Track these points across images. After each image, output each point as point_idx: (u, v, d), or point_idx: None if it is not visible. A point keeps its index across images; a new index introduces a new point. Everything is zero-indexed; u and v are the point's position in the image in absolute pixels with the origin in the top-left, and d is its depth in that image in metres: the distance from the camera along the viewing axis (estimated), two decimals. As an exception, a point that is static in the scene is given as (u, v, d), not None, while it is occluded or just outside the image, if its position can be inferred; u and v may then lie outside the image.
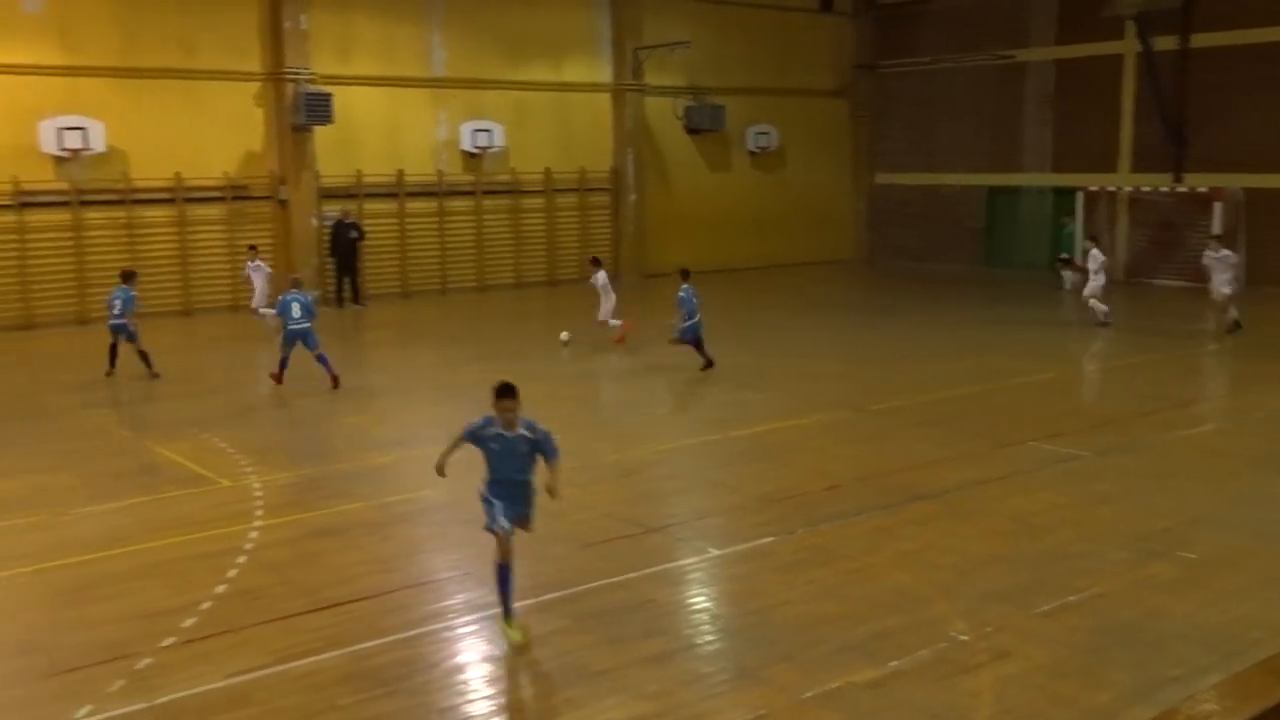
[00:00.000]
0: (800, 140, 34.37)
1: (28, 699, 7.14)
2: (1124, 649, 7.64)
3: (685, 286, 17.85)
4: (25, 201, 23.02)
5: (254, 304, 22.27)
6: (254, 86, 25.51)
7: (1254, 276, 26.36)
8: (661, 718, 6.80)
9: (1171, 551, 9.52)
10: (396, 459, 12.90)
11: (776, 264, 33.56)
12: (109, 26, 23.68)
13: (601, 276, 20.33)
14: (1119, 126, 29.71)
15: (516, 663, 7.60)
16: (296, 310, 16.58)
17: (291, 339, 16.65)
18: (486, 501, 7.83)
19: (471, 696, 7.17)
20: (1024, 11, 31.39)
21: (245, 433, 14.45)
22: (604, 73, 30.57)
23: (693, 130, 32.06)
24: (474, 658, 7.75)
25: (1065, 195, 30.36)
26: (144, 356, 17.74)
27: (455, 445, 8.02)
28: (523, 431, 7.77)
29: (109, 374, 17.85)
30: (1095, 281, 22.03)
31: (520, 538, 7.96)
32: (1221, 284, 21.08)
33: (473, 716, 6.94)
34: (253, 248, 22.90)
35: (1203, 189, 27.89)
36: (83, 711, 6.92)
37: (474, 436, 7.84)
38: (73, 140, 22.92)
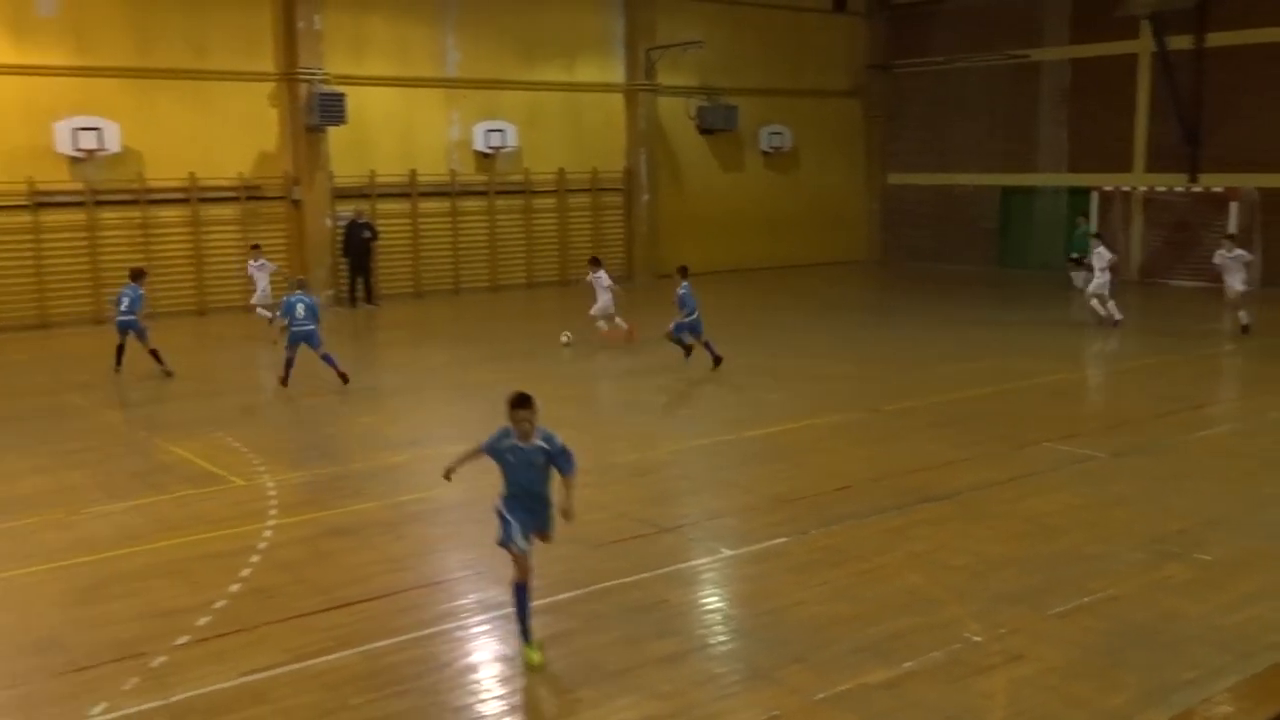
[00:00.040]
0: (813, 140, 34.32)
1: (43, 696, 7.17)
2: (1139, 651, 7.61)
3: (684, 284, 17.91)
4: (41, 202, 23.12)
5: (254, 301, 22.34)
6: (268, 87, 25.59)
7: (1270, 277, 26.26)
8: (674, 718, 6.80)
9: (1187, 553, 9.48)
10: (410, 458, 12.92)
11: (789, 264, 33.54)
12: (123, 28, 23.77)
13: (603, 277, 20.28)
14: (1134, 126, 29.60)
15: (529, 662, 7.61)
16: (301, 311, 16.58)
17: (295, 341, 16.65)
18: (503, 519, 7.60)
19: (484, 696, 7.17)
20: (1038, 11, 31.30)
21: (258, 432, 14.50)
22: (617, 73, 30.58)
23: (706, 130, 32.04)
24: (486, 657, 7.76)
25: (1080, 195, 30.27)
26: (154, 355, 17.80)
27: (470, 456, 7.85)
28: (539, 443, 7.53)
29: (116, 371, 17.96)
30: (1099, 279, 21.94)
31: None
32: (1235, 284, 20.96)
33: (485, 716, 6.94)
34: (255, 246, 22.94)
35: (1218, 189, 27.79)
36: (98, 709, 6.95)
37: (491, 450, 7.63)
38: (88, 141, 23.03)
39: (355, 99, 25.70)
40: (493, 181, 28.64)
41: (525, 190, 29.22)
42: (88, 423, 15.05)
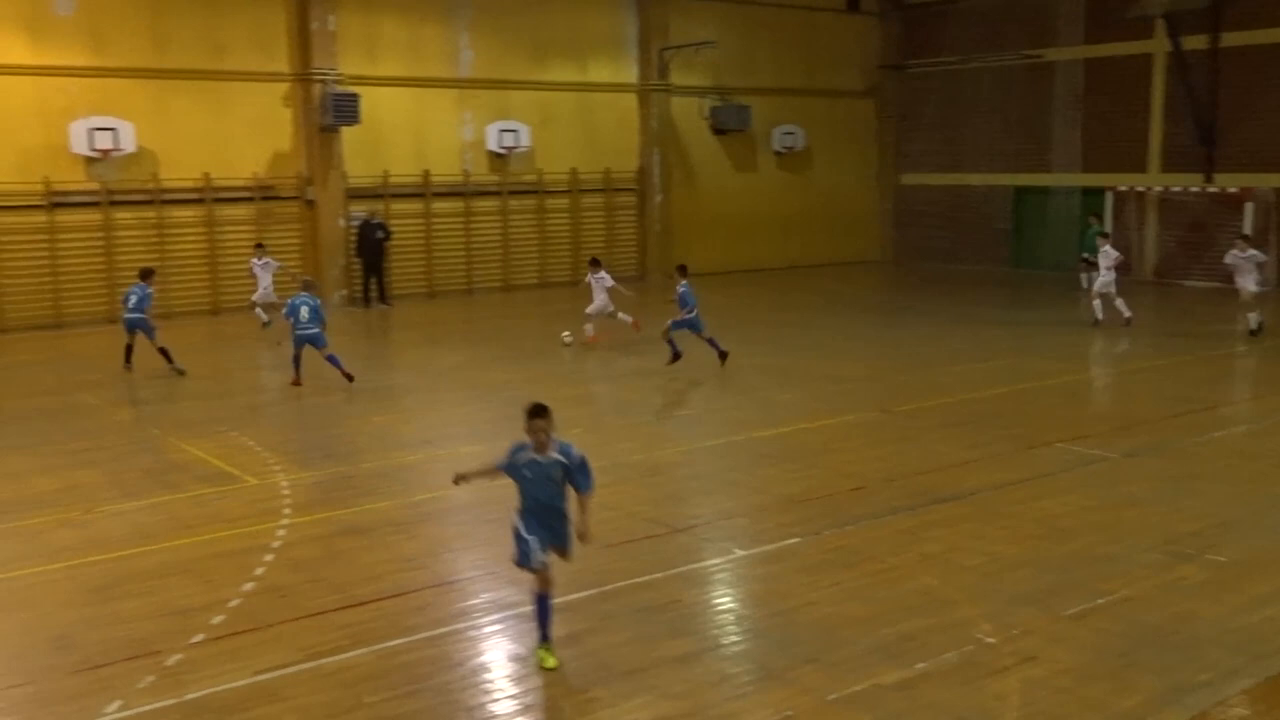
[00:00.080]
0: (826, 140, 34.29)
1: (59, 694, 7.21)
2: (1153, 652, 7.59)
3: (684, 283, 17.97)
4: (56, 201, 23.23)
5: (254, 298, 22.40)
6: (282, 87, 25.67)
7: (1286, 278, 26.19)
8: (687, 718, 6.80)
9: (1200, 554, 9.46)
10: (423, 458, 12.95)
11: (802, 265, 33.53)
12: (139, 28, 23.87)
13: (605, 277, 20.27)
14: (1149, 126, 29.50)
15: (542, 662, 7.62)
16: (305, 314, 16.62)
17: (300, 343, 16.74)
18: (520, 538, 7.47)
19: (497, 695, 7.18)
20: (1052, 11, 31.21)
21: (272, 431, 14.55)
22: (630, 73, 30.59)
23: (719, 130, 32.04)
24: (499, 656, 7.77)
25: (1094, 195, 30.17)
26: (163, 353, 17.88)
27: (486, 474, 7.78)
28: (556, 456, 7.40)
29: (126, 370, 18.05)
30: (1104, 278, 21.86)
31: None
32: (1249, 284, 20.83)
33: (498, 715, 6.96)
34: (259, 245, 22.99)
35: (1233, 189, 27.68)
36: (113, 707, 6.99)
37: (509, 468, 7.51)
38: (103, 141, 23.13)
39: (369, 99, 25.77)
40: (506, 182, 28.67)
41: (538, 190, 29.25)
42: (102, 421, 15.13)
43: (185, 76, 24.32)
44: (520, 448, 7.48)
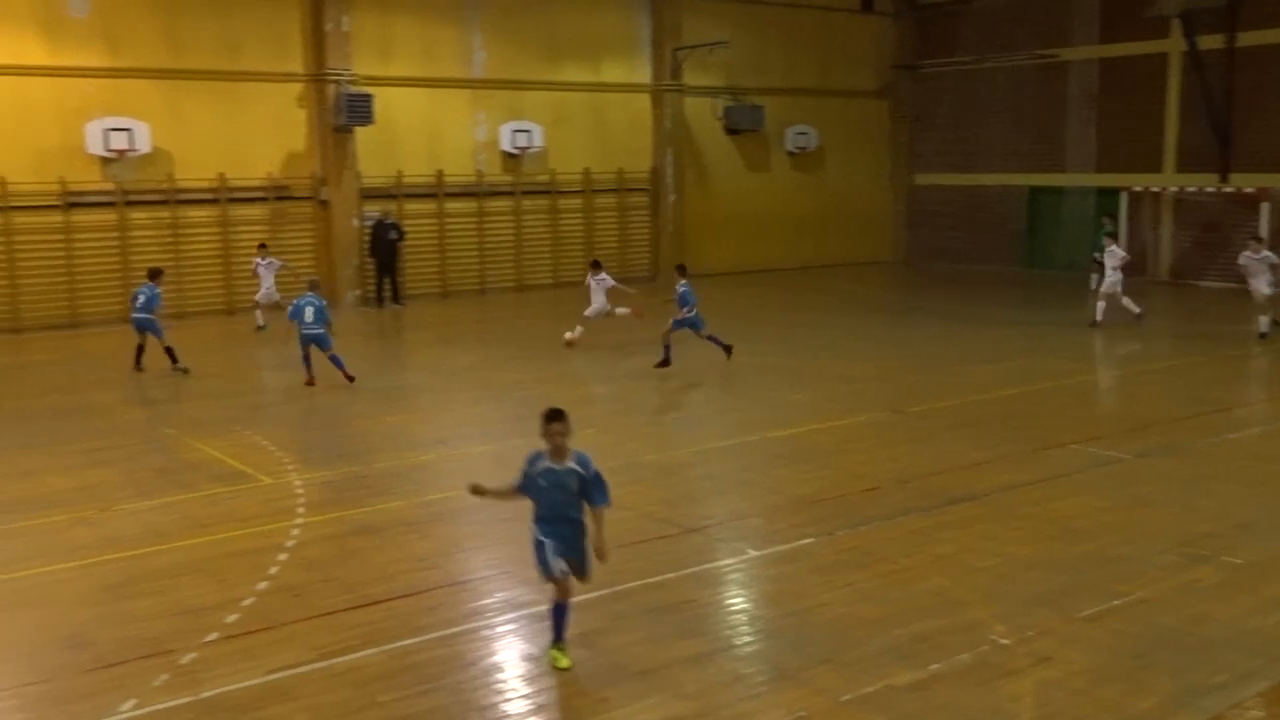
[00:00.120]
0: (839, 141, 34.24)
1: (73, 692, 7.24)
2: (1167, 654, 7.56)
3: (683, 282, 18.00)
4: (72, 202, 23.33)
5: (257, 298, 22.46)
6: (296, 88, 25.73)
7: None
8: (700, 718, 6.80)
9: (1216, 556, 9.41)
10: (436, 458, 12.97)
11: (815, 265, 33.49)
12: (154, 29, 23.95)
13: (606, 279, 20.22)
14: (1164, 126, 29.37)
15: (555, 662, 7.62)
16: (310, 315, 16.66)
17: (305, 343, 16.80)
18: (538, 545, 7.39)
19: (509, 695, 7.19)
20: (1066, 10, 31.10)
21: (286, 430, 14.60)
22: (643, 73, 30.59)
23: (732, 131, 32.01)
24: (512, 656, 7.78)
25: (1109, 195, 30.06)
26: (169, 352, 17.95)
27: (503, 494, 7.64)
28: (573, 466, 7.33)
29: (137, 369, 18.13)
30: (1112, 278, 21.78)
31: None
32: (1262, 286, 20.70)
33: (511, 715, 6.96)
34: (262, 245, 23.03)
35: (1249, 189, 27.55)
36: (127, 705, 7.01)
37: (525, 486, 7.43)
38: (118, 141, 23.22)
39: (382, 100, 25.83)
40: (519, 182, 28.70)
41: (551, 190, 29.26)
42: (117, 420, 15.20)
43: (200, 77, 24.40)
44: (536, 457, 7.42)
